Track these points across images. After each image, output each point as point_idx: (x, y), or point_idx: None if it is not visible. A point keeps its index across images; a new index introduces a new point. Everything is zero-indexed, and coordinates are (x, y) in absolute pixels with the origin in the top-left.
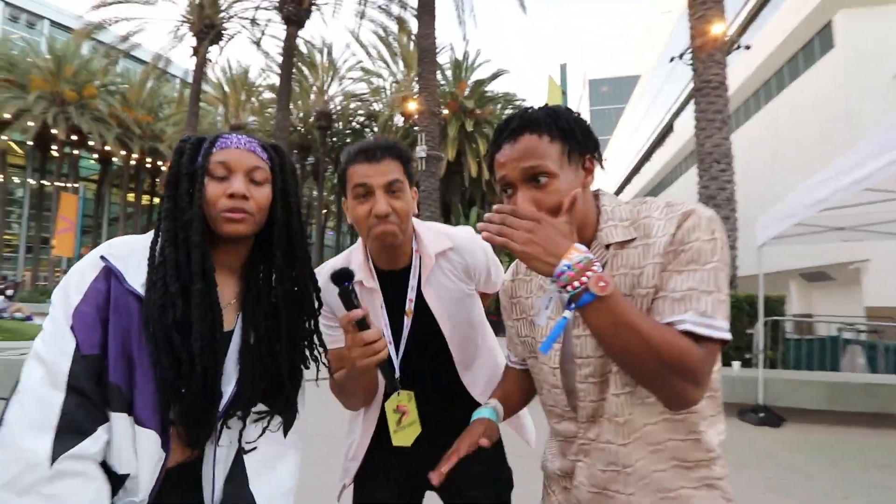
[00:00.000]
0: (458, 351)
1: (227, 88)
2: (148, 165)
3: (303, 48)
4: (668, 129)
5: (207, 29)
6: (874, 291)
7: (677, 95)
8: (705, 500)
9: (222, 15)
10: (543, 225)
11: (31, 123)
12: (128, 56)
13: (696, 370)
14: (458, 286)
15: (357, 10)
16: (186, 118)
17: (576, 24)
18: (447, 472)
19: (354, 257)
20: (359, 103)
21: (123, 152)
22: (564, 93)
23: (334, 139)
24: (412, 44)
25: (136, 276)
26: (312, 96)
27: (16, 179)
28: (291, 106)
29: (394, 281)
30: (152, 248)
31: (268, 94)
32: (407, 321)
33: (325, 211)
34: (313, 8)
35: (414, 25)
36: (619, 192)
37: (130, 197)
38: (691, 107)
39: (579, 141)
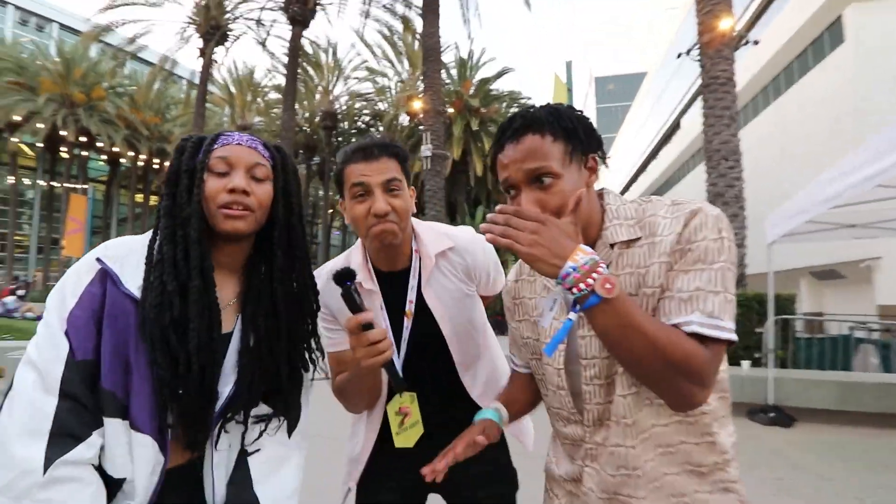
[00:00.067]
0: (458, 352)
1: (233, 89)
2: (156, 166)
3: (308, 48)
4: (675, 127)
5: (213, 30)
6: (887, 289)
7: (684, 92)
8: None
9: (228, 16)
10: (548, 226)
11: (40, 125)
12: (135, 58)
13: (702, 371)
14: (459, 287)
15: (362, 10)
16: (193, 119)
17: (578, 22)
18: (445, 471)
19: (353, 258)
20: (364, 103)
21: (131, 153)
22: (570, 90)
23: (340, 139)
24: (417, 43)
25: (133, 278)
26: (318, 96)
27: (26, 181)
28: (297, 106)
29: (393, 282)
30: (150, 247)
31: (273, 95)
32: (407, 322)
33: (330, 211)
34: (318, 8)
35: (419, 24)
36: (625, 190)
37: (139, 197)
38: (699, 103)
39: (582, 140)
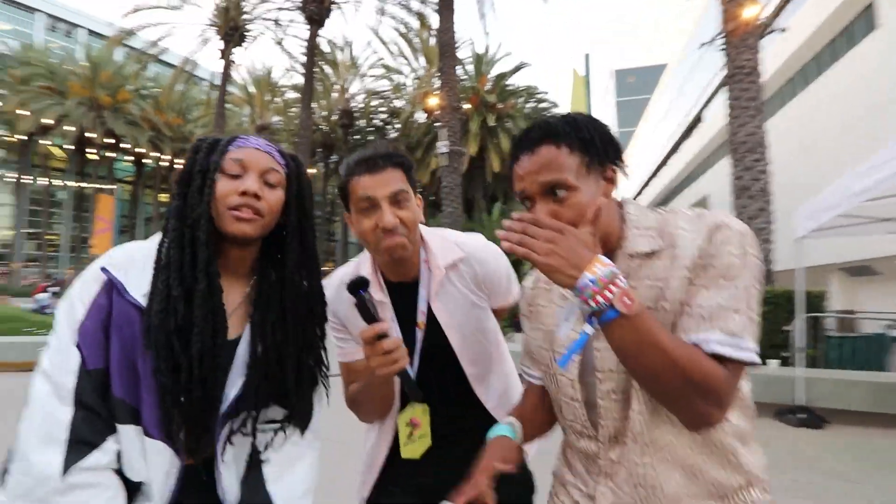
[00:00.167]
0: (470, 363)
1: (252, 89)
2: (178, 166)
3: (325, 47)
4: (696, 120)
5: (232, 31)
6: None
7: (707, 84)
8: None
9: (246, 17)
10: (566, 235)
11: (69, 128)
12: (158, 61)
13: (720, 391)
14: (469, 297)
15: (377, 7)
16: (214, 119)
17: (585, 20)
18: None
19: (363, 269)
20: (380, 100)
21: (155, 154)
22: (588, 84)
23: (357, 137)
24: (433, 39)
25: (138, 286)
26: (335, 95)
27: (57, 182)
28: (314, 105)
29: (403, 293)
30: (159, 250)
31: (291, 94)
32: (419, 334)
33: None
34: (334, 6)
35: (434, 21)
36: (646, 185)
37: (163, 197)
38: (722, 95)
39: (600, 150)
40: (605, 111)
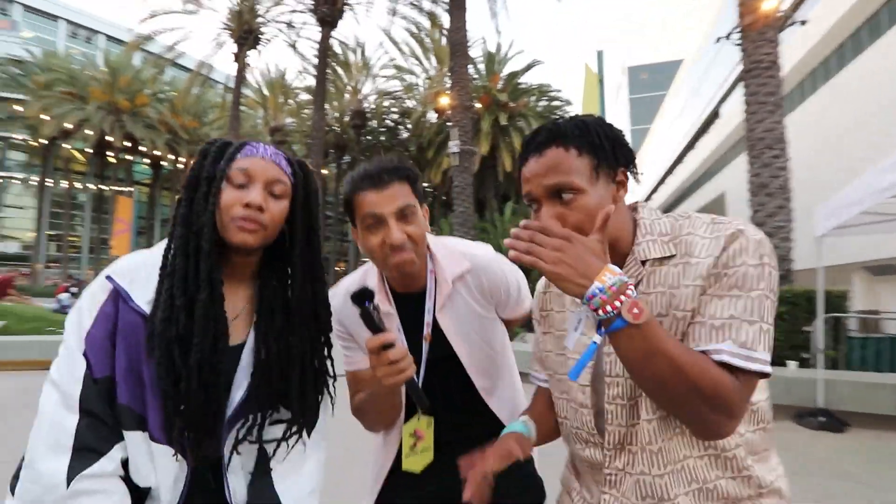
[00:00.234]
0: (479, 375)
1: (265, 91)
2: None
3: (337, 49)
4: (713, 116)
5: (246, 34)
6: None
7: (724, 79)
8: None
9: (260, 20)
10: (574, 244)
11: (89, 132)
12: (174, 65)
13: (730, 403)
14: (475, 309)
15: (389, 8)
16: (228, 122)
17: (593, 19)
18: (486, 486)
19: (370, 279)
20: (392, 101)
21: (172, 156)
22: (601, 81)
23: (369, 137)
24: (444, 39)
25: (143, 294)
26: (347, 96)
27: (78, 185)
28: (327, 106)
29: (410, 303)
30: (165, 256)
31: (304, 96)
32: (425, 345)
33: None
34: (346, 8)
35: (446, 20)
36: (661, 182)
37: None
38: (740, 90)
39: (609, 154)
40: (618, 108)
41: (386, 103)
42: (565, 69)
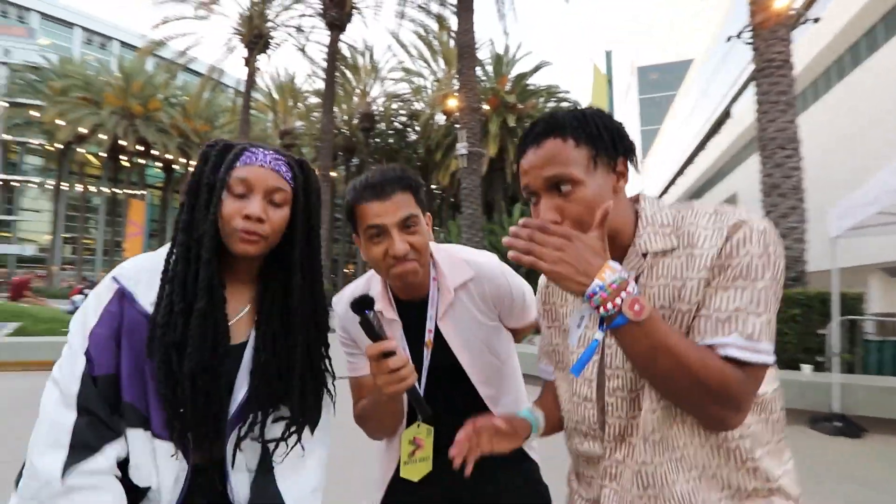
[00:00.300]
0: (482, 384)
1: (275, 95)
2: None
3: (346, 52)
4: (724, 116)
5: (256, 39)
6: None
7: (735, 78)
8: None
9: (270, 24)
10: (574, 242)
11: (103, 137)
12: (186, 69)
13: (736, 396)
14: (477, 317)
15: (397, 11)
16: (239, 126)
17: (601, 21)
18: (472, 457)
19: (373, 287)
20: (400, 103)
21: (183, 160)
22: (610, 82)
23: (377, 140)
24: (452, 41)
25: (147, 294)
26: (356, 98)
27: (92, 189)
28: (336, 109)
29: (413, 311)
30: (167, 261)
31: (313, 99)
32: (427, 353)
33: None
34: (354, 11)
35: (454, 22)
36: (671, 184)
37: None
38: (752, 89)
39: (608, 144)
40: (627, 109)
41: (394, 106)
42: (572, 70)
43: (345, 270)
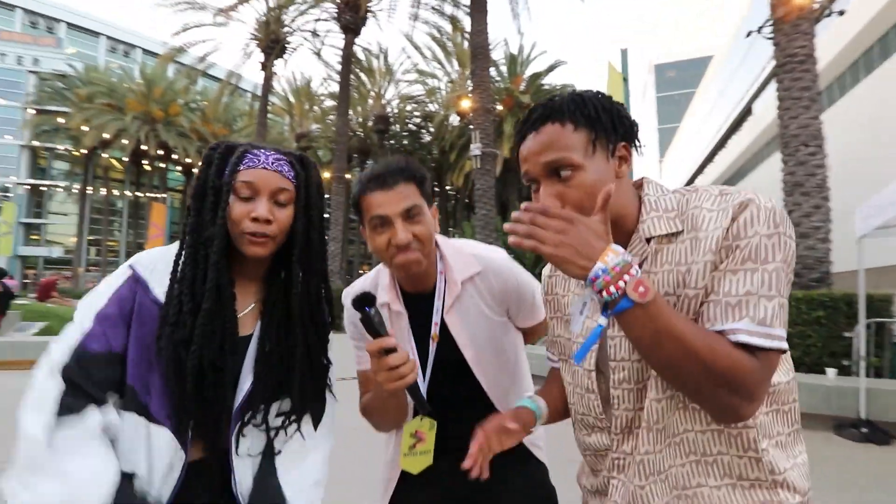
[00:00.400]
0: (487, 379)
1: (291, 99)
2: None
3: (360, 55)
4: (745, 113)
5: (273, 44)
6: None
7: (757, 74)
8: None
9: (286, 29)
10: (576, 225)
11: (126, 142)
12: (205, 75)
13: (748, 384)
14: (484, 311)
15: (411, 13)
16: (256, 129)
17: (605, 20)
18: (485, 462)
19: (381, 279)
20: (415, 105)
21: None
22: (626, 80)
23: (392, 142)
24: (466, 42)
25: (161, 284)
26: (370, 101)
27: (116, 192)
28: (351, 111)
29: (420, 304)
30: (176, 262)
31: (329, 102)
32: (433, 346)
33: None
34: (369, 15)
35: (467, 24)
36: (690, 182)
37: None
38: (774, 85)
39: (607, 127)
40: (645, 108)
41: (408, 107)
42: (578, 69)
43: (360, 271)
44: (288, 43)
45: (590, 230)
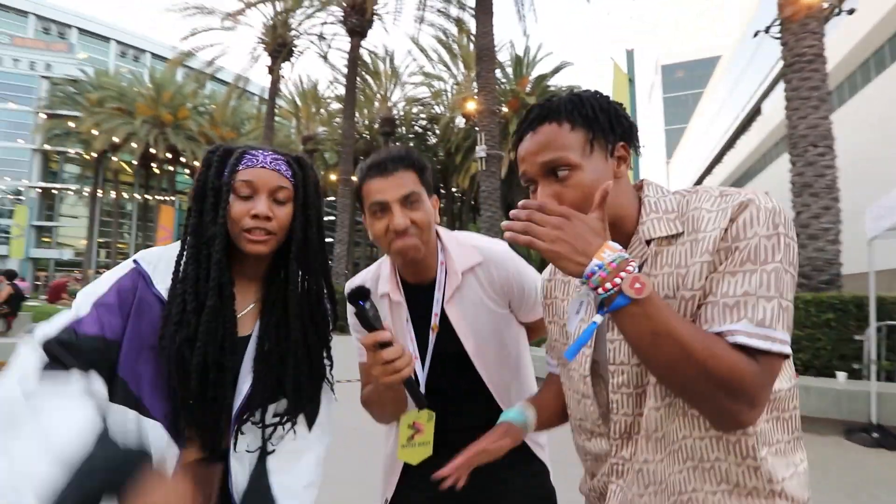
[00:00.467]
0: (488, 371)
1: (298, 102)
2: None
3: (366, 58)
4: (754, 113)
5: (280, 47)
6: None
7: (766, 74)
8: None
9: (293, 33)
10: (573, 221)
11: (135, 145)
12: (213, 79)
13: (748, 388)
14: (485, 303)
15: (416, 16)
16: (263, 132)
17: (605, 21)
18: (463, 475)
19: (383, 270)
20: (421, 107)
21: None
22: (632, 80)
23: (398, 144)
24: (472, 44)
25: (164, 280)
26: (376, 103)
27: (125, 195)
28: (357, 114)
29: (420, 294)
30: (178, 262)
31: (336, 105)
32: (432, 336)
33: None
34: (375, 17)
35: (473, 26)
36: (699, 182)
37: None
38: (783, 85)
39: (605, 128)
40: (652, 108)
41: (414, 110)
42: (578, 69)
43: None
44: (295, 46)
45: (586, 227)
